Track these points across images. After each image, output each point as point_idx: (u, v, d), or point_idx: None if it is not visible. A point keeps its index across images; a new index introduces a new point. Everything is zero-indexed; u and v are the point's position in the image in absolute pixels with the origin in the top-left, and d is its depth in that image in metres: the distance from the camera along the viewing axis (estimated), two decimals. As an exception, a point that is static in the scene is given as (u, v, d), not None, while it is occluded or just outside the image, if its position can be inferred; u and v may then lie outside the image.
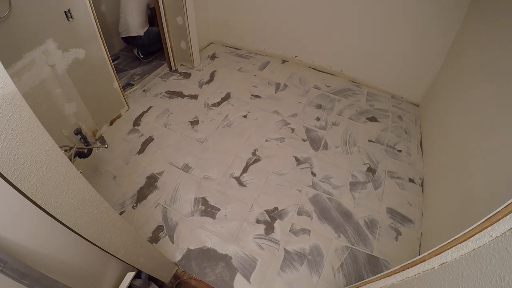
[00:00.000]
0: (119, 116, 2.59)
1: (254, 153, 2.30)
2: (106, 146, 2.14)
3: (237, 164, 2.21)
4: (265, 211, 1.92)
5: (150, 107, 2.71)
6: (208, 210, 1.92)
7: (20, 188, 0.57)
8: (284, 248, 1.74)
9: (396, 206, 1.98)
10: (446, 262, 0.60)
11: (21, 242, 0.67)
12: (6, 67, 0.51)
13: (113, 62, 2.41)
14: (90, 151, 2.15)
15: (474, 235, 0.56)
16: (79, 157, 2.14)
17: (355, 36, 2.82)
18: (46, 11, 1.70)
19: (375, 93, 3.01)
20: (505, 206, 0.52)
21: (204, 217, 1.88)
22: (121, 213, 1.88)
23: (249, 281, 1.60)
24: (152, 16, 3.16)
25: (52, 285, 0.71)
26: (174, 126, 2.52)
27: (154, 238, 1.77)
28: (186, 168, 2.17)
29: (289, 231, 1.82)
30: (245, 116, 2.64)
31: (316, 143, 2.42)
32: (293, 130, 2.53)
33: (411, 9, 2.42)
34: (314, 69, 3.30)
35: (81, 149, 2.07)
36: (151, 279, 1.44)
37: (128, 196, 1.99)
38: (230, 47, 3.67)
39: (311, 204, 1.97)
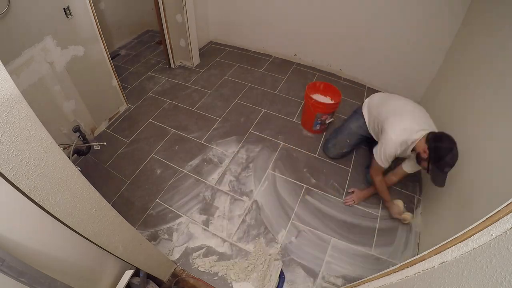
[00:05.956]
0: (117, 114, 2.58)
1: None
2: (105, 143, 2.13)
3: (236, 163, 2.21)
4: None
5: (149, 104, 2.70)
6: (207, 208, 1.91)
7: (18, 186, 0.57)
8: (283, 247, 1.74)
9: (395, 205, 1.98)
10: (446, 261, 0.60)
11: (19, 240, 0.67)
12: (4, 64, 0.50)
13: (112, 59, 2.40)
14: (88, 148, 2.15)
15: (474, 234, 0.55)
16: (77, 155, 2.13)
17: (355, 35, 2.81)
18: (45, 8, 1.69)
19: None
20: (506, 205, 0.52)
21: (203, 215, 1.87)
22: (120, 211, 1.88)
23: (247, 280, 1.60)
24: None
25: (50, 283, 0.71)
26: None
27: (153, 236, 1.77)
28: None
29: (288, 229, 1.82)
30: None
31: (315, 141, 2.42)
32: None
33: (411, 8, 2.41)
34: (314, 67, 3.29)
35: (80, 147, 2.07)
36: (150, 277, 1.44)
37: (127, 194, 1.98)
38: (229, 45, 3.66)
39: (314, 200, 1.97)
